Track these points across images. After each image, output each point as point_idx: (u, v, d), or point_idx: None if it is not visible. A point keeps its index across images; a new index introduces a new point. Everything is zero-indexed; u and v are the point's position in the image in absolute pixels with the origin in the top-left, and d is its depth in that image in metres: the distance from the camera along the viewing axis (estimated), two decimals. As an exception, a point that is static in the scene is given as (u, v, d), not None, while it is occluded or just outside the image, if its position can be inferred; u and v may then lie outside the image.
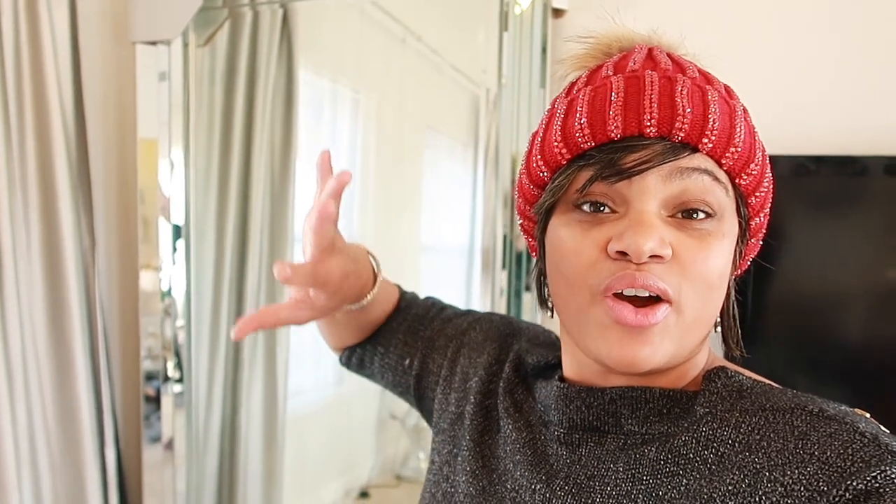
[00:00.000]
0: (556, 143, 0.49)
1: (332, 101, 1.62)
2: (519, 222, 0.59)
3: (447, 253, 1.49)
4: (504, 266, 1.27)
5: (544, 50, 1.23)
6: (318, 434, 1.67)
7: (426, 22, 1.47)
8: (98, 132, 1.48)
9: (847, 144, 1.08)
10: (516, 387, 0.62)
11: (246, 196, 1.51)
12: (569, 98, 0.51)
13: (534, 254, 0.58)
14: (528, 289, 1.26)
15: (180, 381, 1.54)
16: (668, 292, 0.46)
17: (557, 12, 1.24)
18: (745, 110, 0.51)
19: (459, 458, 0.62)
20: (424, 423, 1.59)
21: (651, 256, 0.45)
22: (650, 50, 0.52)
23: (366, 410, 1.64)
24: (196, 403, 1.55)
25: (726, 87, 0.51)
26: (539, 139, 0.52)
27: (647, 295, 0.46)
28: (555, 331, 0.66)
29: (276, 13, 1.46)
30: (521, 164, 0.55)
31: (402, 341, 0.73)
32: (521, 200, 0.56)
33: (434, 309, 0.76)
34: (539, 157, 0.51)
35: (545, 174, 0.51)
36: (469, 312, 0.74)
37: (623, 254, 0.46)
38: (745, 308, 0.58)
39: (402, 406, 1.59)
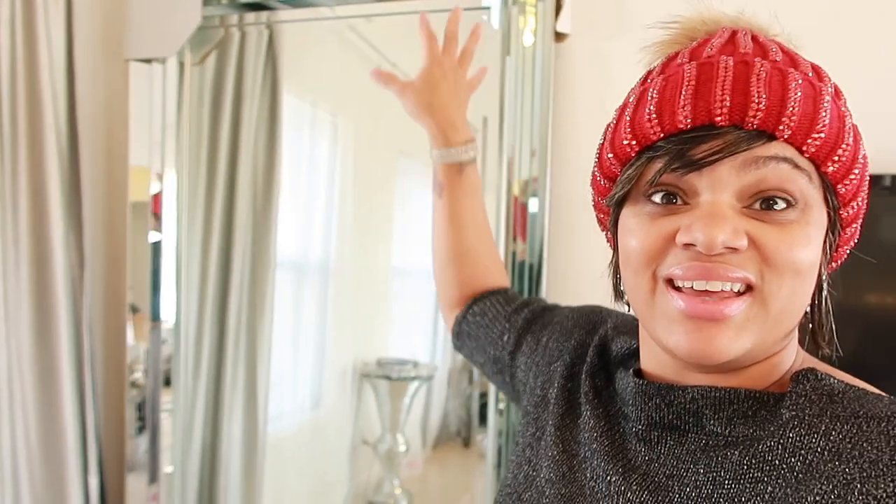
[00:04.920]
0: (625, 135, 0.48)
1: (311, 124, 1.64)
2: (597, 217, 0.58)
3: (419, 276, 1.50)
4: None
5: (547, 77, 1.24)
6: (296, 459, 1.66)
7: (401, 49, 1.50)
8: (90, 149, 1.48)
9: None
10: (598, 372, 0.61)
11: (230, 219, 1.53)
12: (642, 88, 0.50)
13: (611, 246, 0.57)
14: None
15: (166, 407, 1.54)
16: (748, 279, 0.44)
17: (559, 36, 1.26)
18: (836, 93, 0.48)
19: (542, 443, 0.61)
20: (397, 449, 1.59)
21: (726, 248, 0.44)
22: (734, 33, 0.49)
23: (340, 436, 1.63)
24: (179, 430, 1.55)
25: (815, 68, 0.48)
26: (611, 131, 0.51)
27: (719, 288, 0.44)
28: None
29: (262, 34, 1.50)
30: (595, 158, 0.54)
31: (503, 315, 0.77)
32: (594, 194, 0.56)
33: (537, 298, 0.81)
34: (610, 149, 0.50)
35: (615, 167, 0.50)
36: (568, 306, 0.76)
37: (691, 246, 0.44)
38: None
39: (374, 432, 1.58)
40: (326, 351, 1.68)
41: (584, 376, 0.61)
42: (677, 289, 0.46)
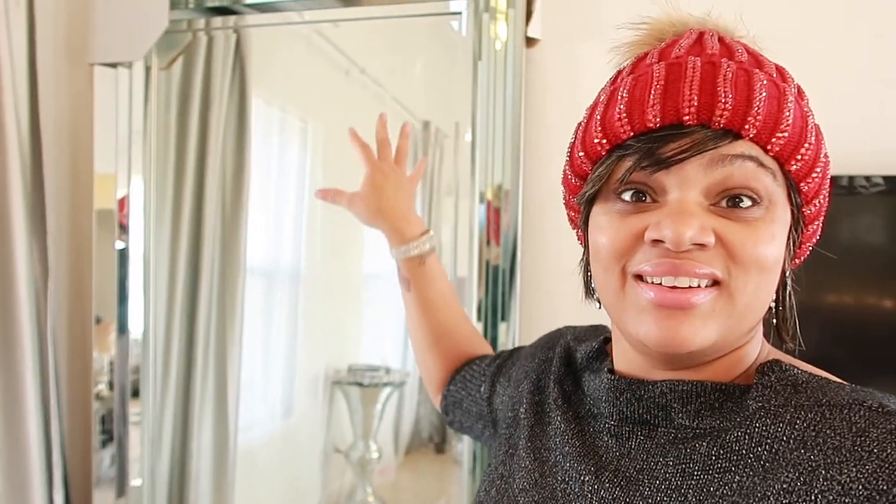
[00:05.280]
0: (596, 134, 0.49)
1: (281, 129, 1.63)
2: (568, 215, 0.59)
3: (390, 281, 1.50)
4: (487, 294, 1.28)
5: (519, 82, 1.25)
6: (267, 468, 1.64)
7: (369, 54, 1.50)
8: (54, 156, 1.45)
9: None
10: (565, 378, 0.63)
11: (199, 226, 1.51)
12: (612, 87, 0.51)
13: (581, 244, 0.58)
14: (503, 319, 1.27)
15: (134, 419, 1.50)
16: (715, 274, 0.45)
17: (530, 41, 1.27)
18: (798, 93, 0.49)
19: (515, 457, 0.62)
20: (369, 457, 1.59)
21: (694, 244, 0.45)
22: (701, 34, 0.50)
23: (312, 444, 1.61)
24: (147, 441, 1.52)
25: (779, 69, 0.50)
26: (582, 130, 0.52)
27: (687, 284, 0.46)
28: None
29: (230, 39, 1.49)
30: (566, 156, 0.55)
31: (478, 373, 0.79)
32: (566, 192, 0.57)
33: (513, 349, 0.81)
34: (581, 148, 0.51)
35: (586, 165, 0.51)
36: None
37: (660, 242, 0.46)
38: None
39: (346, 439, 1.57)
40: (297, 358, 1.67)
41: (552, 385, 0.63)
42: (647, 283, 0.47)
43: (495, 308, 1.27)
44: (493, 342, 1.27)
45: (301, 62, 1.54)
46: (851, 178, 1.12)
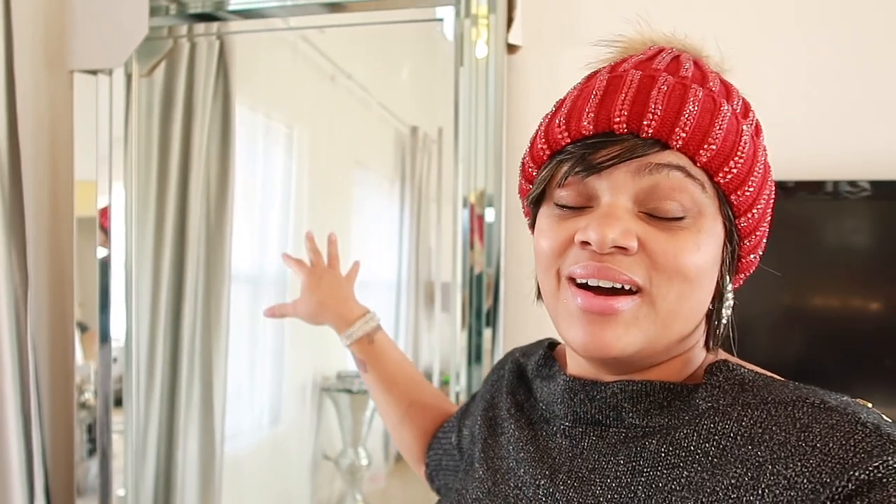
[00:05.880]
0: (540, 141, 0.52)
1: (265, 135, 1.62)
2: (527, 223, 0.61)
3: (377, 286, 1.49)
4: (471, 303, 1.27)
5: (500, 88, 1.25)
6: (254, 477, 1.63)
7: (355, 60, 1.49)
8: (32, 164, 1.44)
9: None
10: (517, 389, 0.65)
11: (183, 233, 1.50)
12: (561, 100, 0.54)
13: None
14: (488, 325, 1.27)
15: (117, 428, 1.49)
16: (635, 281, 0.47)
17: (511, 48, 1.28)
18: (742, 111, 0.51)
19: (471, 471, 0.64)
20: (359, 464, 1.58)
21: (616, 248, 0.46)
22: (659, 51, 0.53)
23: (301, 451, 1.60)
24: (131, 451, 1.50)
25: (726, 86, 0.52)
26: (532, 139, 0.55)
27: (610, 286, 0.47)
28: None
29: (213, 45, 1.48)
30: (520, 165, 0.58)
31: (447, 427, 0.80)
32: (521, 199, 0.59)
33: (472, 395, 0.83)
34: (529, 155, 0.54)
35: (533, 169, 0.54)
36: None
37: (587, 244, 0.47)
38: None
39: (335, 447, 1.56)
40: (285, 365, 1.66)
41: (504, 397, 0.65)
42: (578, 287, 0.49)
43: (479, 314, 1.27)
44: (478, 349, 1.27)
45: (286, 68, 1.53)
46: (836, 184, 1.12)
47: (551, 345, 0.66)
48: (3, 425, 1.30)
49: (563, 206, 0.50)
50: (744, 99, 0.53)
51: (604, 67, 0.54)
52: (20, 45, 1.35)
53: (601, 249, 0.46)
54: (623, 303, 0.47)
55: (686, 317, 0.49)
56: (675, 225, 0.47)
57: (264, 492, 1.63)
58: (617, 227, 0.46)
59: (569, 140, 0.49)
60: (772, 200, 0.53)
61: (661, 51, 0.53)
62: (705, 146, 0.47)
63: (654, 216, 0.47)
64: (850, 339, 1.14)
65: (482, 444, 0.63)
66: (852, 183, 1.12)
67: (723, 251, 0.50)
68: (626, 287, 0.47)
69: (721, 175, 0.48)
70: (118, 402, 1.48)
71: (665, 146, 0.47)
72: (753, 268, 0.56)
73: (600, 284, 0.47)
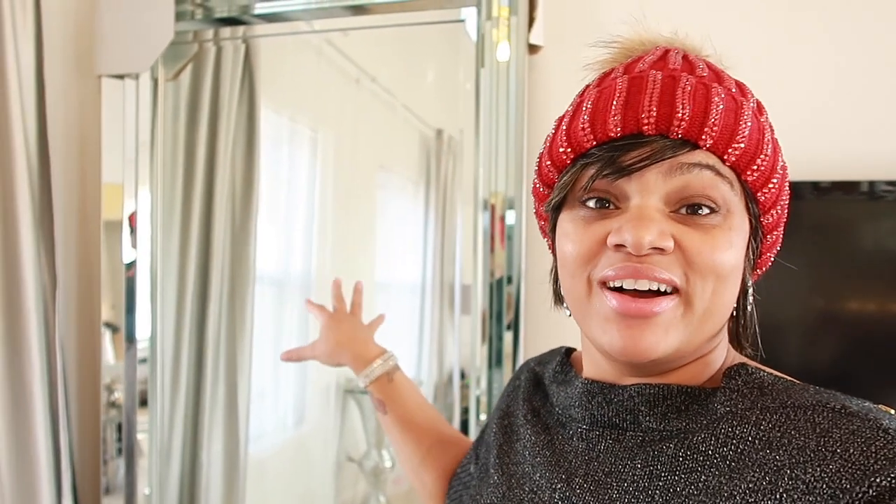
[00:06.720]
0: (562, 143, 0.51)
1: (290, 138, 1.63)
2: (539, 225, 0.61)
3: (401, 289, 1.49)
4: (492, 306, 1.26)
5: (521, 89, 1.24)
6: (279, 478, 1.64)
7: (380, 62, 1.49)
8: (61, 167, 1.47)
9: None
10: (534, 396, 0.64)
11: (208, 236, 1.52)
12: (579, 100, 0.53)
13: (550, 251, 0.60)
14: (508, 328, 1.26)
15: (142, 428, 1.51)
16: (674, 281, 0.47)
17: (533, 48, 1.27)
18: (758, 108, 0.51)
19: (486, 476, 0.64)
20: (382, 465, 1.57)
21: (653, 249, 0.46)
22: (666, 51, 0.53)
23: (325, 453, 1.61)
24: (156, 451, 1.52)
25: (739, 85, 0.52)
26: (549, 140, 0.55)
27: (647, 289, 0.47)
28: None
29: (238, 49, 1.49)
30: (535, 168, 0.57)
31: (466, 461, 0.79)
32: (535, 202, 0.59)
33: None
34: (548, 157, 0.54)
35: (553, 173, 0.53)
36: None
37: (622, 247, 0.47)
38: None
39: (359, 448, 1.56)
40: (309, 367, 1.66)
41: (521, 404, 0.65)
42: (611, 290, 0.48)
43: (500, 317, 1.25)
44: (498, 353, 1.26)
45: (311, 71, 1.54)
46: (872, 184, 1.09)
47: (567, 351, 0.66)
48: (31, 424, 1.33)
49: (589, 208, 0.50)
50: (755, 96, 0.53)
51: (615, 68, 0.53)
52: (50, 51, 1.38)
53: (638, 252, 0.46)
54: (662, 304, 0.47)
55: (719, 314, 0.49)
56: (707, 224, 0.47)
57: (288, 493, 1.63)
58: (654, 229, 0.46)
59: (594, 142, 0.49)
60: (788, 197, 0.53)
61: (668, 51, 0.53)
62: (733, 145, 0.47)
63: (684, 215, 0.48)
64: (887, 344, 1.10)
65: (497, 451, 0.63)
66: (890, 182, 1.08)
67: (748, 248, 0.51)
68: (663, 289, 0.47)
69: (749, 173, 0.48)
70: (143, 403, 1.50)
71: (694, 146, 0.47)
72: (768, 265, 0.56)
73: (636, 287, 0.47)
